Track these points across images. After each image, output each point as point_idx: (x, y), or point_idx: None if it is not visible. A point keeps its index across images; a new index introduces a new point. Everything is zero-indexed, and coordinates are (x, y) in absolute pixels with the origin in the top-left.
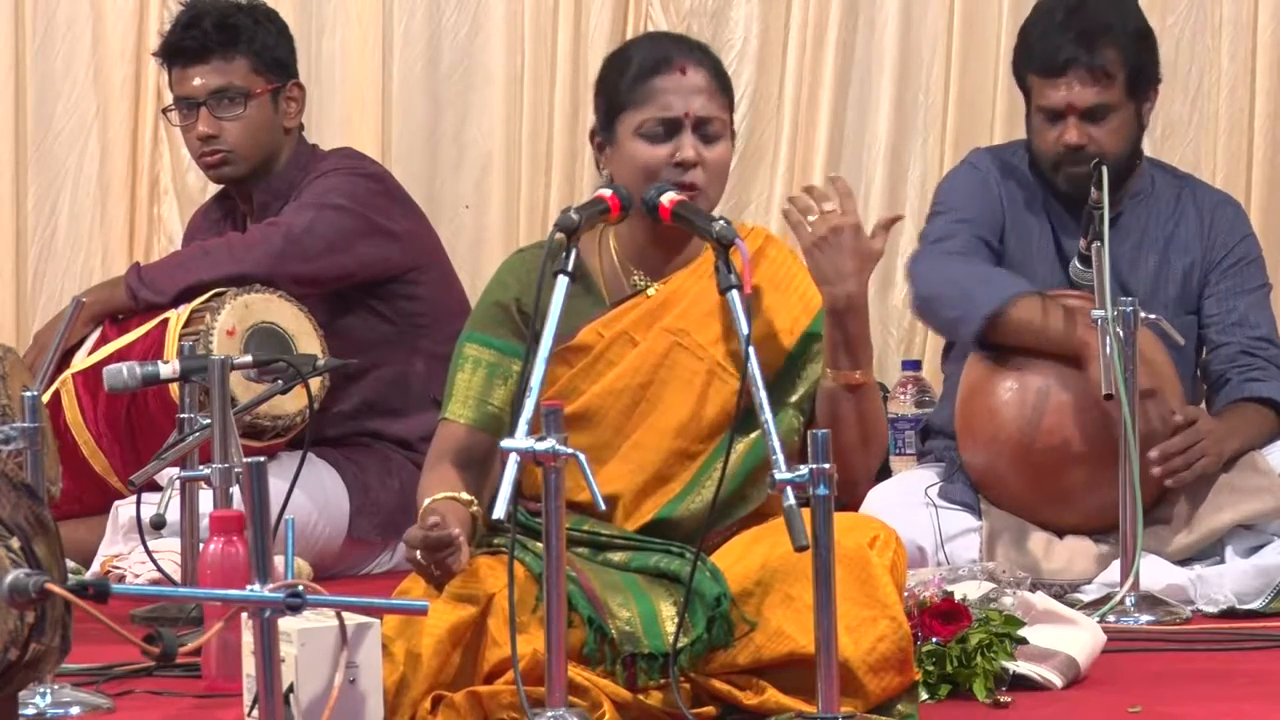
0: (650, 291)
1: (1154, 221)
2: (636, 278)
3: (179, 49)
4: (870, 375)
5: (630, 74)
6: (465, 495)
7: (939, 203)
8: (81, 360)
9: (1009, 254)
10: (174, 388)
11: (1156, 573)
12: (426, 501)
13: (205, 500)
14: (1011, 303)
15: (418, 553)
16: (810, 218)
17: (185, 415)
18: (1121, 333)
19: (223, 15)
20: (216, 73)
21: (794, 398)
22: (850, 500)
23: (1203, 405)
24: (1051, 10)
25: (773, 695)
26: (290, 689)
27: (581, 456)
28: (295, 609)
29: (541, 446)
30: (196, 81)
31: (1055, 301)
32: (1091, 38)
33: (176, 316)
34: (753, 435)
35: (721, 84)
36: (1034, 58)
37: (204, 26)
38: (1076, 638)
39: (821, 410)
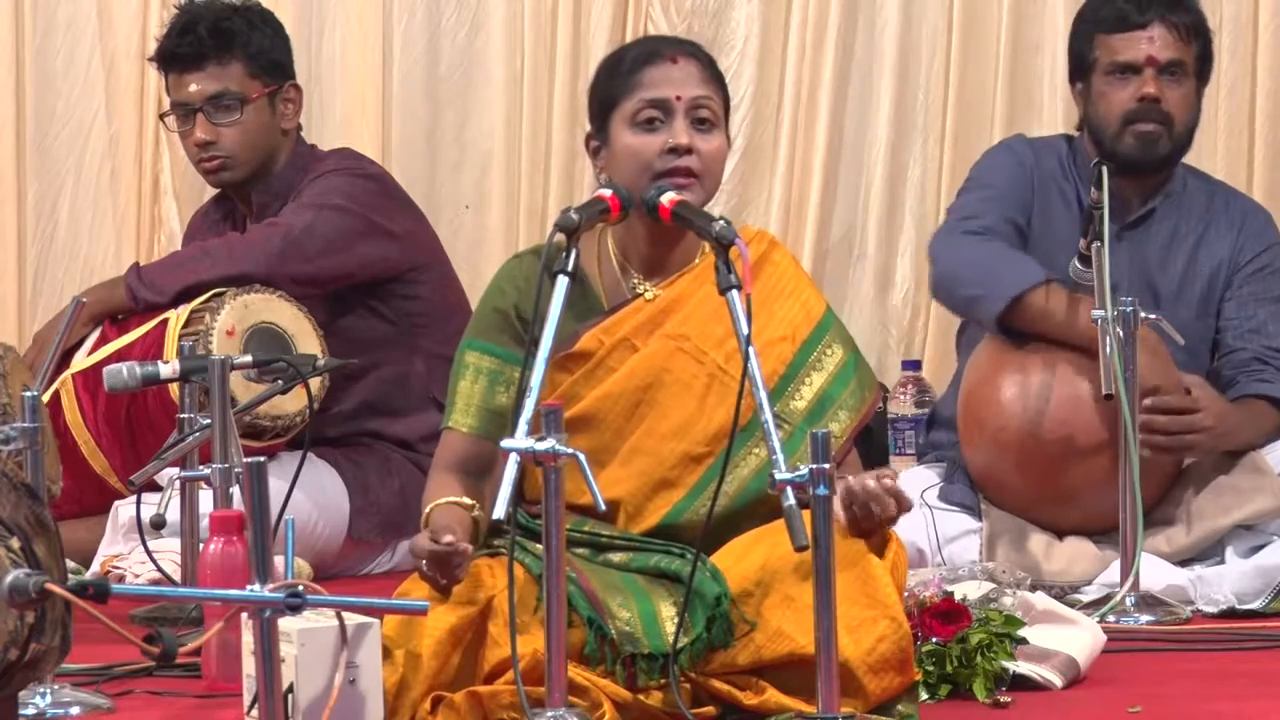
0: (649, 296)
1: (1185, 222)
2: (636, 281)
3: (174, 55)
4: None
5: (623, 70)
6: (466, 500)
7: (972, 179)
8: (81, 360)
9: (1035, 238)
10: (174, 388)
11: (1156, 573)
12: (428, 508)
13: (205, 500)
14: (1037, 289)
15: (423, 562)
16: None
17: (185, 415)
18: (1121, 333)
19: (217, 20)
20: (212, 78)
21: (800, 404)
22: None
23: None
24: None
25: (773, 695)
26: (290, 689)
27: (581, 457)
28: (295, 609)
29: (541, 447)
30: (193, 88)
31: (1077, 295)
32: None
33: (176, 317)
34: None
35: (714, 76)
36: (1108, 17)
37: (199, 32)
38: (1076, 638)
39: None
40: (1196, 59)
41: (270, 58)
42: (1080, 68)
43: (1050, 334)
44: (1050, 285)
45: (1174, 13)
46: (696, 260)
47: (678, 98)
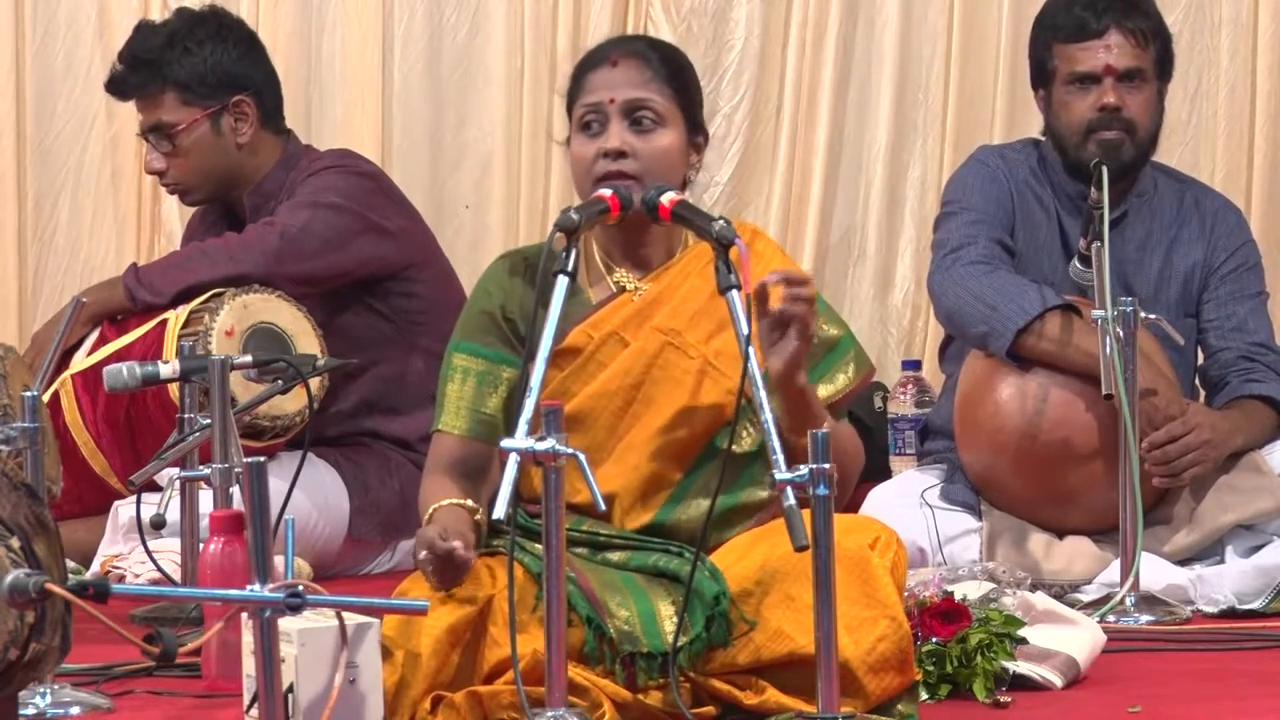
0: (637, 291)
1: (1158, 223)
2: (620, 276)
3: (110, 85)
4: (831, 422)
5: (576, 75)
6: (470, 503)
7: (951, 201)
8: (80, 361)
9: (1019, 248)
10: (174, 388)
11: (1156, 573)
12: (431, 508)
13: (205, 500)
14: (1040, 319)
15: (423, 553)
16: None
17: (185, 415)
18: (1121, 333)
19: (139, 54)
20: (146, 110)
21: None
22: (849, 500)
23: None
24: None
25: (773, 695)
26: (290, 689)
27: (581, 456)
28: (295, 609)
29: (541, 446)
30: (139, 116)
31: (1084, 318)
32: (1128, 3)
33: (175, 317)
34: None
35: (659, 75)
36: (1066, 26)
37: (125, 66)
38: (1076, 638)
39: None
40: (1155, 62)
41: (206, 81)
42: (1041, 76)
43: (1059, 363)
44: (1053, 315)
45: (1130, 18)
46: (679, 253)
47: (610, 101)
